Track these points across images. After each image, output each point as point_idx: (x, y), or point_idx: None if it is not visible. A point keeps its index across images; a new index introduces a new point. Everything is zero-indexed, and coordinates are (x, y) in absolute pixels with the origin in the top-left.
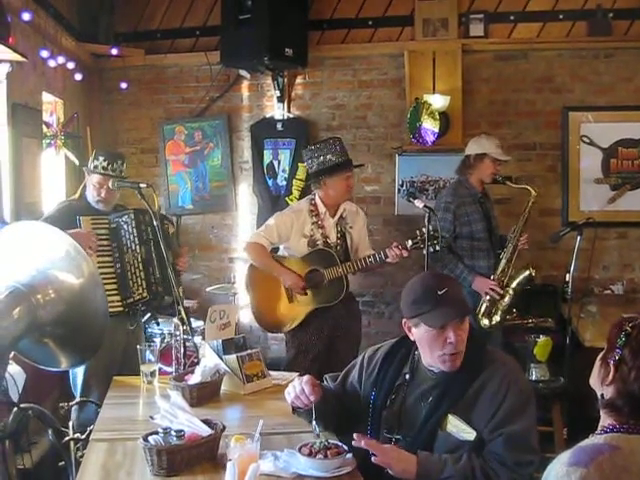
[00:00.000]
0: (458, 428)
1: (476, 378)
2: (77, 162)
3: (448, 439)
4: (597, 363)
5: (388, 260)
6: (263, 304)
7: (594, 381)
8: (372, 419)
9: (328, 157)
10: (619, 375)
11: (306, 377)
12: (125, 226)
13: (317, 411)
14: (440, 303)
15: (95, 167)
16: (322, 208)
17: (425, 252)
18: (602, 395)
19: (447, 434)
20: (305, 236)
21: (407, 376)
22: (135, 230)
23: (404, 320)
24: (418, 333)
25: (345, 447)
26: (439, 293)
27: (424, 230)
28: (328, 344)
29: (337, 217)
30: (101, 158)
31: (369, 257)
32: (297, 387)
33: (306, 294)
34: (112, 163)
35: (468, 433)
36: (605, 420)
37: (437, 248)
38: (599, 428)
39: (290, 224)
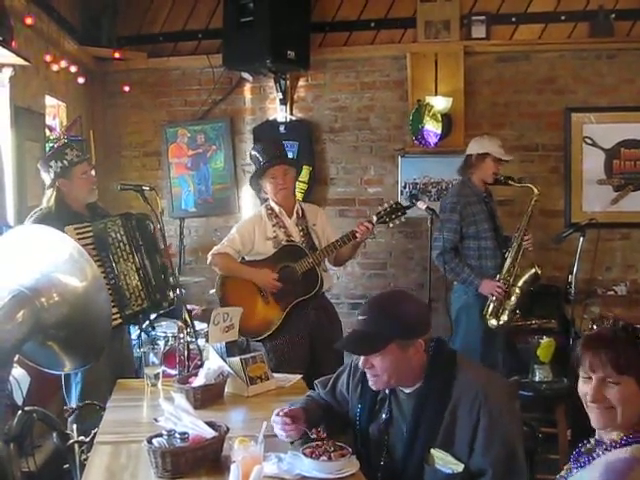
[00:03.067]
0: (444, 461)
1: (448, 399)
2: None
3: (436, 474)
4: (631, 397)
5: (357, 238)
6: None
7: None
8: (360, 433)
9: (254, 154)
10: None
11: (279, 411)
12: (113, 234)
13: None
14: (351, 329)
15: (73, 161)
16: (277, 208)
17: (390, 225)
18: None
19: (434, 469)
20: (269, 238)
21: (387, 390)
22: (125, 237)
23: None
24: None
25: (349, 449)
26: (358, 318)
27: (386, 205)
28: (310, 352)
29: (294, 217)
30: (68, 151)
31: (337, 241)
32: (278, 423)
33: (281, 291)
34: (77, 150)
35: (455, 464)
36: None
37: (402, 220)
38: (613, 437)
39: (252, 229)
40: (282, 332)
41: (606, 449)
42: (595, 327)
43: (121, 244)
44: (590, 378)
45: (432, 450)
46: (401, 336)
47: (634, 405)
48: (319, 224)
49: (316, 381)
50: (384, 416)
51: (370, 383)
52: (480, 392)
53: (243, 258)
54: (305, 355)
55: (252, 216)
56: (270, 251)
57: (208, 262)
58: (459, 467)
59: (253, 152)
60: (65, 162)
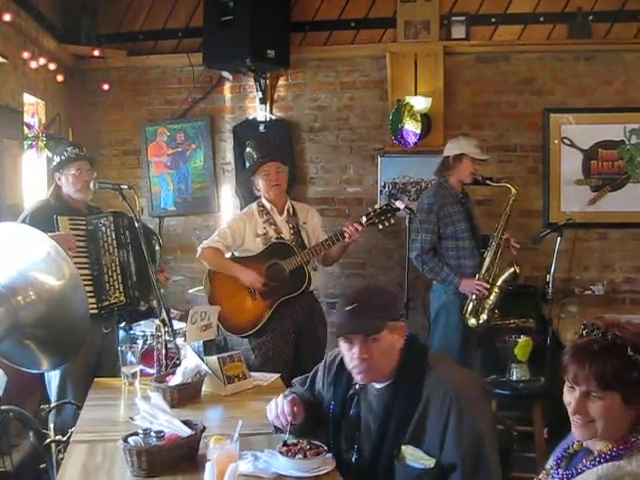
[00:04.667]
0: (415, 457)
1: (419, 396)
2: None
3: (407, 470)
4: (623, 412)
5: (346, 239)
6: (227, 307)
7: (620, 428)
8: (333, 429)
9: (248, 151)
10: None
11: (290, 397)
12: (103, 228)
13: (293, 432)
14: (345, 317)
15: (70, 157)
16: (268, 205)
17: (380, 227)
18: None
19: (405, 466)
20: (259, 235)
21: (357, 386)
22: (113, 233)
23: None
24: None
25: (325, 447)
26: (346, 309)
27: (376, 206)
28: (295, 349)
29: (285, 214)
30: (69, 148)
31: (326, 240)
32: (279, 406)
33: (268, 288)
34: (78, 148)
35: (427, 460)
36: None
37: (392, 222)
38: (600, 448)
39: (243, 226)
40: (268, 329)
41: (595, 459)
42: (584, 334)
43: (109, 239)
44: (574, 388)
45: (403, 447)
46: (392, 318)
47: (617, 419)
48: (309, 223)
49: (294, 380)
50: (352, 412)
51: (358, 378)
52: (450, 389)
53: (233, 254)
54: (290, 353)
55: (243, 212)
56: (259, 248)
57: (197, 255)
58: (431, 462)
59: (248, 149)
60: (62, 157)
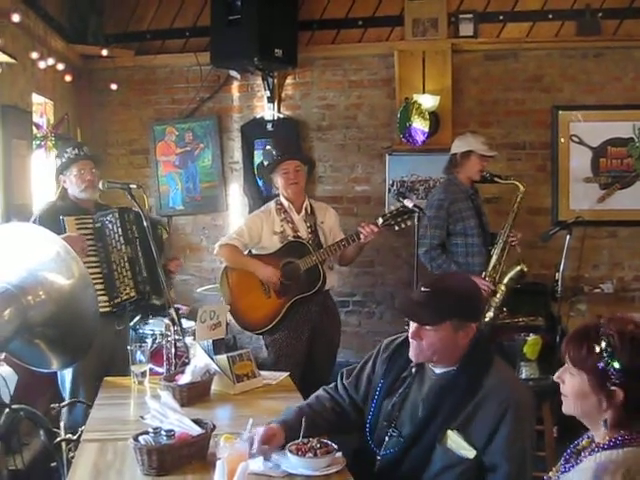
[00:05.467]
0: (457, 445)
1: (477, 390)
2: None
3: (447, 454)
4: (580, 392)
5: (362, 239)
6: (242, 304)
7: (586, 410)
8: (374, 407)
9: (269, 149)
10: (632, 392)
11: (271, 425)
12: (110, 225)
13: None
14: (411, 298)
15: (70, 159)
16: (286, 203)
17: (397, 228)
18: (605, 421)
19: (446, 449)
20: (276, 233)
21: (413, 369)
22: (120, 229)
23: None
24: None
25: (335, 446)
26: (419, 290)
27: (393, 208)
28: (308, 348)
29: (302, 213)
30: (69, 149)
31: (342, 240)
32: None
33: (283, 286)
34: (78, 148)
35: (468, 450)
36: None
37: (408, 224)
38: (599, 440)
39: (260, 224)
40: (282, 327)
41: (593, 449)
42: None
43: (117, 235)
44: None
45: (449, 431)
46: (459, 316)
47: (586, 400)
48: (327, 222)
49: (342, 370)
50: (400, 392)
51: (411, 354)
52: (511, 394)
53: (250, 251)
54: (303, 351)
55: (261, 210)
56: (276, 246)
57: (215, 252)
58: (471, 453)
59: (268, 147)
60: (63, 159)
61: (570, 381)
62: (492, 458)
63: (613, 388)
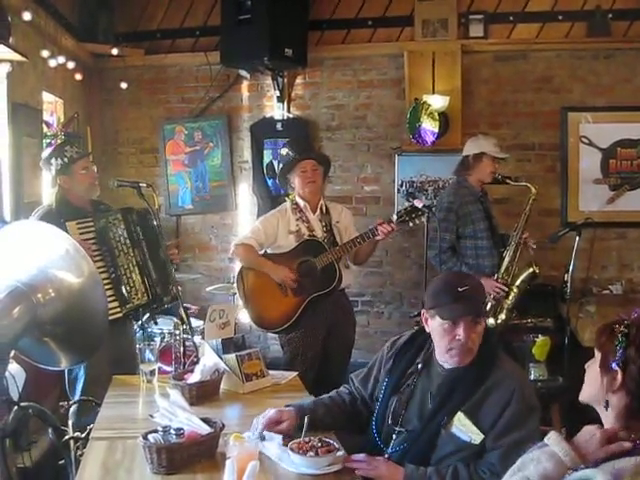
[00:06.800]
0: (466, 428)
1: (486, 380)
2: None
3: (451, 440)
4: (594, 374)
5: (378, 237)
6: (258, 303)
7: (593, 392)
8: (380, 406)
9: (285, 152)
10: (629, 377)
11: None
12: (114, 228)
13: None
14: (457, 299)
15: (73, 157)
16: (302, 202)
17: (411, 225)
18: (607, 403)
19: (451, 434)
20: (291, 232)
21: (419, 365)
22: (125, 232)
23: (423, 311)
24: (433, 325)
25: (336, 445)
26: (459, 290)
27: (407, 205)
28: (323, 347)
29: (318, 212)
30: (68, 148)
31: (357, 238)
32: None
33: (299, 285)
34: (74, 145)
35: (476, 434)
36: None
37: (422, 220)
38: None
39: (276, 223)
40: (298, 326)
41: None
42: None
43: (122, 238)
44: None
45: (459, 413)
46: (485, 311)
47: (594, 382)
48: (342, 222)
49: (350, 375)
50: (406, 388)
51: (457, 359)
52: (518, 385)
53: (266, 251)
54: (319, 350)
55: (277, 209)
56: (292, 245)
57: (230, 252)
58: (478, 438)
59: (284, 149)
60: (65, 159)
61: (591, 366)
62: (497, 436)
63: (616, 368)
